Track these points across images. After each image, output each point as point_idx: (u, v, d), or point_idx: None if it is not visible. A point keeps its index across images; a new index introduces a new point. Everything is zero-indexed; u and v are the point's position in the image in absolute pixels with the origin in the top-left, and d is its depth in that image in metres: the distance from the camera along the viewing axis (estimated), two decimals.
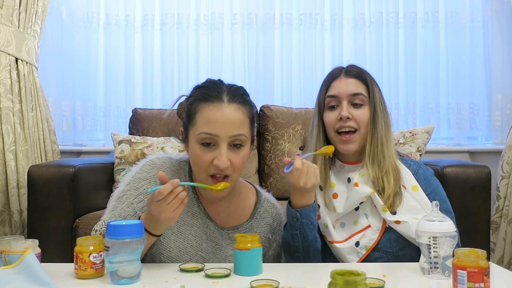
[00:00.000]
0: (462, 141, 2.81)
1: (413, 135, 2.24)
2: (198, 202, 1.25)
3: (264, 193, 1.36)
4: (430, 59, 2.81)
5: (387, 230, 1.25)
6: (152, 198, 1.03)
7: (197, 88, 1.21)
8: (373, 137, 1.28)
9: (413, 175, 1.29)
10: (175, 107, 1.28)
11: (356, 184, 1.27)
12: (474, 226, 1.87)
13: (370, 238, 1.25)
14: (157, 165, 1.23)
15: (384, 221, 1.25)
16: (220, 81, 1.21)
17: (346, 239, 1.27)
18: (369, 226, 1.26)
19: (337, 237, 1.28)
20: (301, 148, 2.44)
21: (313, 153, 1.29)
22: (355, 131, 1.28)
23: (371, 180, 1.27)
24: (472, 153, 2.79)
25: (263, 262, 1.21)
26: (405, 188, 1.27)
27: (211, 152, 1.12)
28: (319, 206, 1.32)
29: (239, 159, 1.14)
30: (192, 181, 1.23)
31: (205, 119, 1.12)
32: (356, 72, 1.31)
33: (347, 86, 1.29)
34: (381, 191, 1.26)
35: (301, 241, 1.23)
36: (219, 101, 1.13)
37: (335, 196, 1.31)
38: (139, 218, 1.11)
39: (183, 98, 1.25)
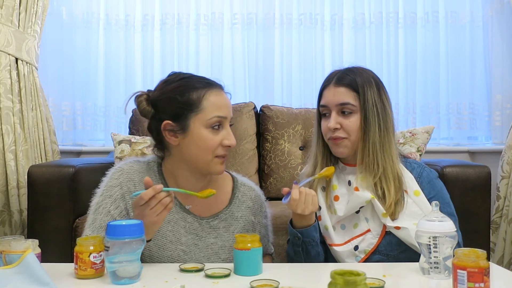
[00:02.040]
0: (462, 141, 2.81)
1: (413, 135, 2.24)
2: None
3: (240, 178, 1.38)
4: (430, 59, 2.81)
5: (388, 234, 1.24)
6: (135, 203, 1.06)
7: (179, 79, 1.22)
8: (365, 144, 1.26)
9: (417, 177, 1.28)
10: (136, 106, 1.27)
11: (356, 189, 1.26)
12: (474, 226, 1.87)
13: (369, 242, 1.25)
14: (125, 170, 1.25)
15: (385, 225, 1.24)
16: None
17: (345, 242, 1.27)
18: (369, 230, 1.26)
19: (337, 240, 1.28)
20: (301, 148, 2.44)
21: (312, 178, 1.29)
22: (345, 138, 1.27)
23: (370, 185, 1.26)
24: (472, 153, 2.79)
25: None
26: (407, 192, 1.25)
27: (219, 134, 1.20)
28: (320, 208, 1.32)
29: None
30: (164, 180, 1.25)
31: (215, 103, 1.19)
32: (347, 80, 1.28)
33: (334, 95, 1.28)
34: (381, 196, 1.25)
35: (304, 257, 1.26)
36: (216, 87, 1.23)
37: (336, 198, 1.31)
38: None
39: (138, 94, 1.25)
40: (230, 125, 1.23)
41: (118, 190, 1.22)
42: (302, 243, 1.25)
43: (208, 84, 1.21)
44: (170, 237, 1.22)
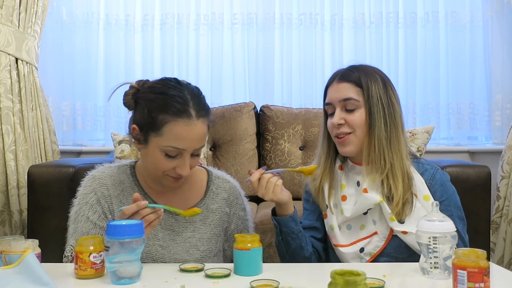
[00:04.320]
0: (462, 141, 2.81)
1: (413, 135, 2.24)
2: (145, 195, 1.26)
3: (215, 171, 1.37)
4: (430, 59, 2.81)
5: (396, 236, 1.23)
6: (120, 217, 1.08)
7: (159, 93, 1.17)
8: (371, 140, 1.24)
9: (430, 180, 1.26)
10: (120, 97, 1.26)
11: (365, 190, 1.24)
12: (474, 226, 1.87)
13: (375, 245, 1.24)
14: (97, 176, 1.27)
15: (392, 229, 1.23)
16: (178, 83, 1.19)
17: (351, 244, 1.26)
18: (375, 233, 1.25)
19: (342, 240, 1.28)
20: (301, 148, 2.44)
21: (285, 169, 1.31)
22: (350, 133, 1.25)
23: (380, 186, 1.24)
24: (472, 153, 2.79)
25: (225, 237, 1.30)
26: (416, 196, 1.23)
27: (174, 161, 1.16)
28: (327, 206, 1.31)
29: (196, 162, 1.22)
30: (137, 181, 1.27)
31: (175, 134, 1.14)
32: (351, 76, 1.27)
33: (337, 92, 1.27)
34: (388, 195, 1.23)
35: (285, 247, 1.27)
36: (189, 117, 1.14)
37: (343, 198, 1.29)
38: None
39: (127, 87, 1.24)
40: (195, 155, 1.19)
41: (92, 196, 1.24)
42: (281, 232, 1.26)
43: (179, 112, 1.14)
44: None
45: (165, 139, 1.14)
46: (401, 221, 1.22)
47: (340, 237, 1.28)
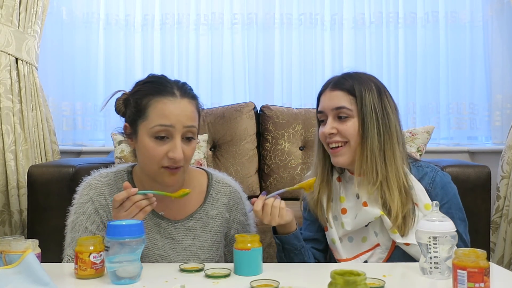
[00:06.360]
0: (462, 141, 2.81)
1: (413, 135, 2.24)
2: None
3: (216, 174, 1.34)
4: (430, 59, 2.81)
5: (398, 248, 1.21)
6: (112, 206, 1.08)
7: (143, 83, 1.20)
8: (363, 151, 1.21)
9: (430, 183, 1.23)
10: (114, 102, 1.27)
11: (365, 204, 1.22)
12: (474, 226, 1.86)
13: (378, 257, 1.23)
14: (94, 185, 1.25)
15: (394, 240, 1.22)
16: (164, 76, 1.22)
17: (354, 257, 1.25)
18: (378, 245, 1.23)
19: (345, 254, 1.26)
20: (301, 148, 2.44)
21: (286, 189, 1.24)
22: (344, 144, 1.23)
23: (380, 198, 1.21)
24: (472, 153, 2.79)
25: (225, 243, 1.28)
26: (417, 206, 1.21)
27: (165, 145, 1.13)
28: (327, 220, 1.29)
29: (190, 150, 1.17)
30: (136, 187, 1.22)
31: (160, 111, 1.13)
32: (344, 84, 1.23)
33: (330, 100, 1.24)
34: (386, 207, 1.21)
35: (288, 261, 1.25)
36: (172, 95, 1.15)
37: (343, 211, 1.27)
38: None
39: (120, 94, 1.25)
40: (189, 138, 1.16)
41: (90, 206, 1.23)
42: (283, 249, 1.24)
43: (158, 91, 1.15)
44: (146, 244, 1.22)
45: (151, 120, 1.13)
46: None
47: (342, 251, 1.26)
